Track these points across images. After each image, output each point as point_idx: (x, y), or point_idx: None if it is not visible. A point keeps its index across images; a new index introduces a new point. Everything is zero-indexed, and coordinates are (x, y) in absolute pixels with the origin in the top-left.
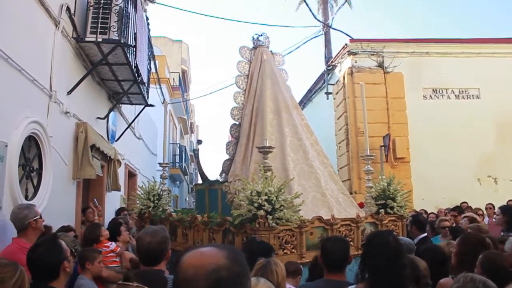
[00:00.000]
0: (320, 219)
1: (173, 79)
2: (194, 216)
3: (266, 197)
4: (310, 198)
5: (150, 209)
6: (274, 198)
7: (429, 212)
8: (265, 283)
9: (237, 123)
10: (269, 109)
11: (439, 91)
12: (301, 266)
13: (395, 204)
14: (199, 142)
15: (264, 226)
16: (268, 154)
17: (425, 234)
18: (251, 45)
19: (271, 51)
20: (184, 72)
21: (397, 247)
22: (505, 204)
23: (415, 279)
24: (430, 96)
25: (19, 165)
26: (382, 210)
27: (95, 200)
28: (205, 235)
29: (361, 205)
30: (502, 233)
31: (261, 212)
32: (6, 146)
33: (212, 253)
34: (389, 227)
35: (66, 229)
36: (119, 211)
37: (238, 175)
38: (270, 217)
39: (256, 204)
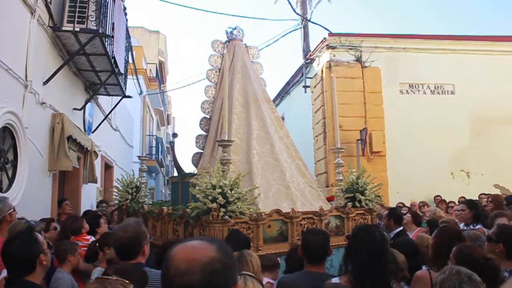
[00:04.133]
0: (278, 212)
1: (150, 70)
2: (161, 209)
3: (220, 190)
4: (273, 191)
5: (127, 201)
6: (228, 191)
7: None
8: (253, 286)
9: (208, 116)
10: (237, 102)
11: (415, 86)
12: (278, 258)
13: (362, 197)
14: (175, 135)
15: (217, 219)
16: (233, 147)
17: (401, 228)
18: (225, 38)
19: (245, 44)
20: (161, 63)
21: (383, 242)
22: (468, 199)
23: (394, 272)
24: (407, 91)
25: None
26: (350, 204)
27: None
28: (170, 227)
29: (331, 198)
30: (466, 227)
31: (214, 205)
32: None
33: (204, 246)
34: (357, 220)
35: (47, 221)
36: (98, 204)
37: (206, 168)
38: (223, 210)
39: (210, 197)
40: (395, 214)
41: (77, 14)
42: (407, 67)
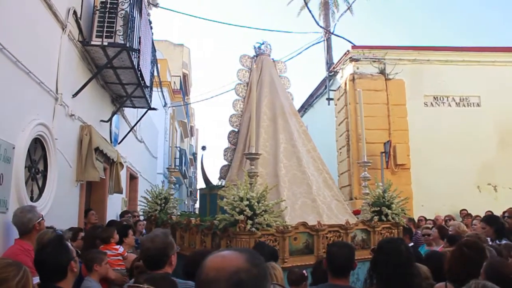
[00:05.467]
0: (304, 224)
1: (174, 82)
2: (189, 219)
3: (248, 202)
4: (299, 204)
5: (156, 212)
6: (255, 204)
7: (427, 218)
8: None
9: (236, 129)
10: (265, 116)
11: (440, 99)
12: (305, 271)
13: (389, 211)
14: (203, 148)
15: (244, 230)
16: (260, 160)
17: (411, 244)
18: (252, 53)
19: (272, 59)
20: (185, 76)
21: (408, 256)
22: (487, 215)
23: (419, 284)
24: (431, 103)
25: (25, 167)
26: (376, 217)
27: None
28: (197, 237)
29: (358, 212)
30: (492, 243)
31: (241, 217)
32: (14, 148)
33: (233, 257)
34: (383, 234)
35: (75, 230)
36: (123, 214)
37: (234, 180)
38: (250, 222)
39: (238, 209)
40: (411, 231)
41: (105, 29)
42: (431, 79)
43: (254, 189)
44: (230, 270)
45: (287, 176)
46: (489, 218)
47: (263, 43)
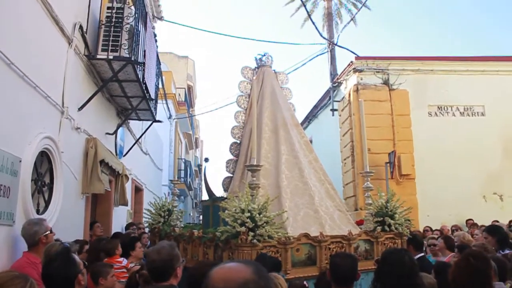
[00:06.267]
0: (307, 235)
1: (179, 94)
2: (191, 232)
3: (249, 214)
4: (301, 215)
5: (160, 224)
6: (257, 215)
7: (434, 229)
8: None
9: (238, 141)
10: (267, 128)
11: (444, 108)
12: (306, 282)
13: (392, 221)
14: (206, 160)
15: (246, 242)
16: (262, 172)
17: (422, 254)
18: (254, 65)
19: (274, 70)
20: (189, 88)
21: (412, 266)
22: (488, 225)
23: None
24: (435, 113)
25: (31, 180)
26: (379, 228)
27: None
28: (200, 249)
29: (361, 222)
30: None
31: (242, 229)
32: (20, 161)
33: (240, 268)
34: (387, 245)
35: (81, 242)
36: (128, 226)
37: (236, 192)
38: (251, 233)
39: (239, 221)
40: (415, 241)
41: (110, 43)
42: (435, 89)
43: (256, 201)
44: (239, 282)
45: (289, 187)
46: (491, 228)
47: (264, 55)
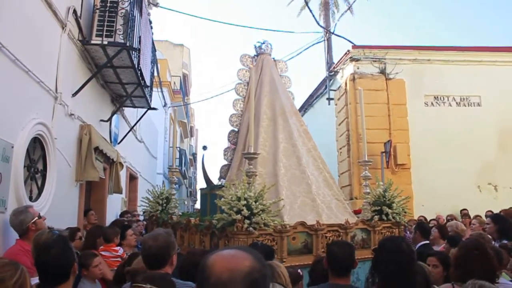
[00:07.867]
0: (303, 224)
1: (174, 82)
2: (188, 219)
3: (245, 201)
4: (298, 204)
5: (157, 212)
6: (253, 203)
7: (429, 219)
8: None
9: (236, 129)
10: (265, 116)
11: (440, 98)
12: (300, 270)
13: (389, 211)
14: (204, 148)
15: (241, 230)
16: (259, 160)
17: (427, 241)
18: (253, 53)
19: (273, 58)
20: (185, 76)
21: (410, 254)
22: (495, 213)
23: (426, 284)
24: (432, 103)
25: (24, 166)
26: (376, 217)
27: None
28: (197, 237)
29: (359, 211)
30: (493, 242)
31: (238, 217)
32: (12, 147)
33: (243, 256)
34: (384, 233)
35: (73, 230)
36: (122, 214)
37: (233, 180)
38: (247, 221)
39: (235, 209)
40: (422, 228)
41: (105, 28)
42: (432, 79)
43: (252, 189)
44: (244, 270)
45: (286, 175)
46: (496, 216)
47: (263, 43)
